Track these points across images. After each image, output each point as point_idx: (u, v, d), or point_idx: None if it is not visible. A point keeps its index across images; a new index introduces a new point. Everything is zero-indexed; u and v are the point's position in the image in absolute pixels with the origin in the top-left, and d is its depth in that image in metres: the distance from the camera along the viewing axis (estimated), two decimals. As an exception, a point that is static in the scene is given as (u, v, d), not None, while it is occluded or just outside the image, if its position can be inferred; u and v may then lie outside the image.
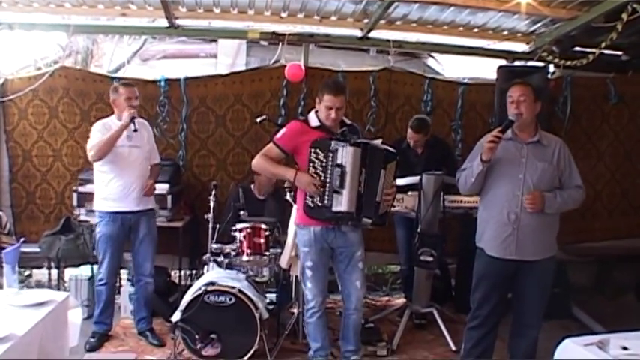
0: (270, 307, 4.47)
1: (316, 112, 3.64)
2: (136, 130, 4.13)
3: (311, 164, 3.49)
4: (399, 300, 5.53)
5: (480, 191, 3.57)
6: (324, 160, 3.46)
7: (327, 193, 3.46)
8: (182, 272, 5.30)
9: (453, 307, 5.18)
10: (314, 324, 3.77)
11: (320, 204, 3.49)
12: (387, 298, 5.72)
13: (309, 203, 3.52)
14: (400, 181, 4.26)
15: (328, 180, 3.45)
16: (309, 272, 3.68)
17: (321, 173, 3.47)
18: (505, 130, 3.31)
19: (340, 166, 3.42)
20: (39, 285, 5.70)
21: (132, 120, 4.11)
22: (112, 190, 4.21)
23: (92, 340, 4.31)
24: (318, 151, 3.48)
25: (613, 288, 5.66)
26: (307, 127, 3.60)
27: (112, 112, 5.17)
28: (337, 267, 3.77)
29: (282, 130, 3.67)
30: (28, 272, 5.82)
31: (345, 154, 3.43)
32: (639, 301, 5.44)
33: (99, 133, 4.18)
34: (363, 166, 3.48)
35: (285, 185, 4.32)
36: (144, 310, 4.49)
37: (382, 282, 6.00)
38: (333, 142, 3.46)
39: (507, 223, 3.38)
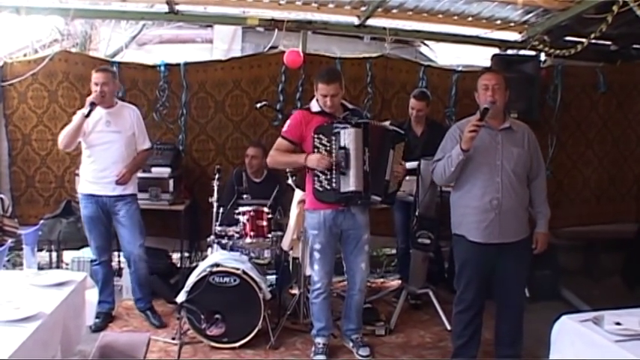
0: (270, 288, 4.58)
1: (317, 99, 3.77)
2: (87, 116, 4.07)
3: (316, 150, 3.62)
4: (394, 282, 5.68)
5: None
6: (328, 145, 3.59)
7: (334, 175, 3.59)
8: (182, 254, 5.38)
9: (445, 288, 5.32)
10: (319, 305, 3.92)
11: (329, 187, 3.62)
12: (381, 280, 5.85)
13: (319, 187, 3.65)
14: (398, 166, 4.39)
15: (334, 163, 3.57)
16: (317, 255, 3.83)
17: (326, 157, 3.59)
18: (483, 117, 3.36)
19: (344, 148, 3.55)
20: (39, 267, 5.70)
21: (91, 105, 4.07)
22: (89, 172, 4.28)
23: (97, 320, 4.34)
24: (321, 136, 3.61)
25: (600, 271, 5.83)
26: (309, 114, 3.75)
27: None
28: (344, 249, 3.92)
29: (287, 122, 3.80)
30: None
31: (347, 136, 3.56)
32: (625, 284, 5.62)
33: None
34: (365, 145, 3.60)
35: (287, 170, 4.42)
36: (138, 291, 4.56)
37: (377, 264, 6.12)
38: (334, 126, 3.58)
39: (490, 209, 3.47)
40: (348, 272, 3.99)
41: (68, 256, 5.25)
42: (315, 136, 3.62)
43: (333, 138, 3.57)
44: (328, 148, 3.59)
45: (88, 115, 4.08)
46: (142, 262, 4.50)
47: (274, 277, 4.87)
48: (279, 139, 3.81)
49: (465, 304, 3.67)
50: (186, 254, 5.48)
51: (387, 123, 3.84)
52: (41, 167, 5.42)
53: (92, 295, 3.01)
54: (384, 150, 3.66)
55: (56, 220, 5.13)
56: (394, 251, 5.78)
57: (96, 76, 4.20)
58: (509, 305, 3.69)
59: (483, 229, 3.51)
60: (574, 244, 5.88)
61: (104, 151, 4.24)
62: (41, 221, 3.91)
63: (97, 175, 4.26)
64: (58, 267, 5.43)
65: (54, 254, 5.38)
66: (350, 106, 3.86)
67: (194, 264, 5.21)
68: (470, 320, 3.68)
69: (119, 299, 4.83)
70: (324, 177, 3.63)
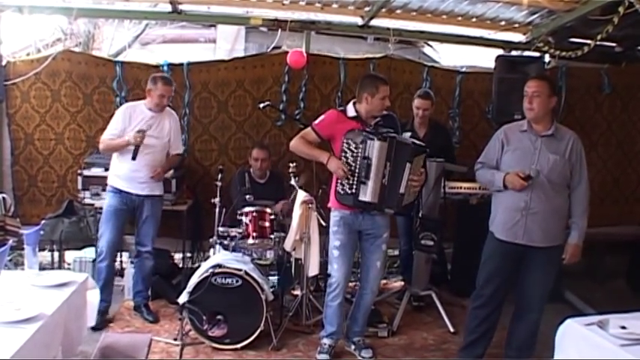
0: (272, 289, 4.56)
1: (354, 103, 3.85)
2: (133, 158, 4.24)
3: (343, 153, 3.69)
4: (397, 283, 5.65)
5: None
6: (355, 151, 3.65)
7: (354, 182, 3.66)
8: (185, 255, 5.36)
9: (448, 290, 5.31)
10: (334, 309, 3.94)
11: (349, 191, 3.70)
12: (384, 281, 5.81)
13: (340, 190, 3.74)
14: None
15: (357, 170, 3.64)
16: (336, 252, 3.87)
17: (351, 163, 3.67)
18: (527, 181, 3.43)
19: (367, 158, 3.61)
20: (41, 267, 5.71)
21: (136, 146, 4.22)
22: (122, 170, 4.36)
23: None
24: (349, 141, 3.68)
25: (604, 273, 5.79)
26: (344, 117, 3.83)
27: (115, 96, 5.29)
28: (361, 245, 3.97)
29: (321, 117, 3.90)
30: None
31: (372, 148, 3.62)
32: (629, 287, 5.59)
33: (120, 119, 4.32)
34: (388, 160, 3.66)
35: (290, 170, 4.40)
36: (141, 284, 4.62)
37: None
38: (363, 135, 3.65)
39: (517, 209, 3.51)
40: (362, 269, 4.02)
41: (70, 256, 5.22)
42: (345, 140, 3.69)
43: (360, 146, 3.63)
44: (354, 154, 3.65)
45: (133, 158, 4.24)
46: (150, 257, 4.59)
47: (276, 278, 4.84)
48: (309, 129, 3.89)
49: (482, 300, 3.71)
50: (189, 254, 5.47)
51: (407, 135, 3.91)
52: (44, 167, 5.41)
53: (94, 296, 2.99)
54: (402, 164, 3.68)
55: (58, 220, 5.10)
56: (397, 252, 5.74)
57: (166, 89, 4.35)
58: (527, 309, 3.70)
59: (508, 228, 3.56)
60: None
61: (140, 153, 4.28)
62: (43, 221, 3.91)
63: (130, 175, 4.34)
64: (60, 267, 5.41)
65: (56, 254, 5.37)
66: (384, 112, 3.90)
67: (196, 264, 5.19)
68: (485, 317, 3.72)
69: (121, 299, 4.84)
70: (346, 181, 3.70)
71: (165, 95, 4.36)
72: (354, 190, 3.68)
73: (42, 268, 5.57)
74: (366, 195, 3.66)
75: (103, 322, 4.41)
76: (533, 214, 3.48)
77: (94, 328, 4.17)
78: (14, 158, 5.38)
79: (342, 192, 3.73)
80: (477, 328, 3.75)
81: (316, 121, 3.90)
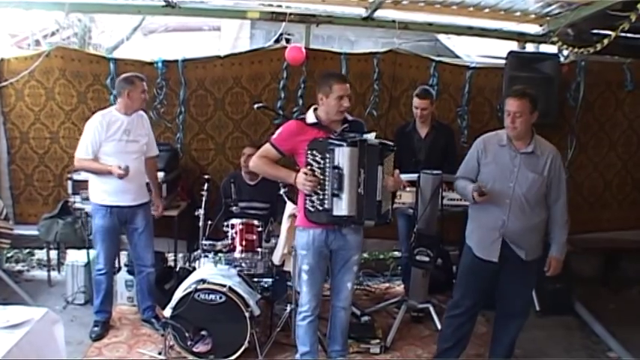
0: (266, 294, 4.44)
1: (315, 109, 3.51)
2: (121, 177, 4.01)
3: (309, 166, 3.37)
4: (399, 288, 5.47)
5: None
6: (321, 162, 3.34)
7: (326, 196, 3.36)
8: (178, 256, 5.29)
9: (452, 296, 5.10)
10: (305, 328, 3.71)
11: (320, 207, 3.39)
12: (387, 285, 5.65)
13: (310, 207, 3.42)
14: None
15: (327, 182, 3.34)
16: (305, 276, 3.62)
17: (320, 175, 3.36)
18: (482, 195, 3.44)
19: (337, 167, 3.30)
20: (40, 264, 5.76)
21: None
22: (108, 184, 4.10)
23: (96, 329, 4.36)
24: (315, 152, 3.36)
25: (618, 281, 5.52)
26: (304, 125, 3.48)
27: (109, 94, 5.14)
28: (332, 267, 3.70)
29: (279, 130, 3.55)
30: (28, 251, 5.87)
31: (342, 155, 3.30)
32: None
33: (96, 132, 4.07)
34: (361, 167, 3.35)
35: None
36: (148, 299, 4.49)
37: (383, 268, 5.93)
38: (329, 142, 3.34)
39: (494, 228, 3.51)
40: (332, 290, 3.75)
41: (71, 255, 5.12)
42: (309, 151, 3.36)
43: (327, 155, 3.31)
44: (322, 166, 3.34)
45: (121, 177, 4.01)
46: (152, 270, 4.47)
47: (271, 280, 4.65)
48: (267, 146, 3.52)
49: (459, 311, 3.76)
50: (186, 255, 5.36)
51: (372, 135, 3.49)
52: (39, 166, 5.34)
53: (60, 331, 2.86)
54: (375, 168, 3.38)
55: (53, 220, 5.06)
56: (399, 254, 5.54)
57: (142, 85, 4.16)
58: (510, 316, 3.74)
59: (486, 247, 3.57)
60: (592, 251, 5.55)
61: (123, 162, 4.05)
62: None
63: (121, 187, 4.09)
64: (58, 266, 5.41)
65: (52, 254, 5.34)
66: (350, 118, 3.58)
67: (191, 266, 5.08)
68: (460, 325, 3.78)
69: (114, 304, 4.75)
70: (316, 197, 3.38)
71: (146, 90, 4.19)
72: (326, 206, 3.35)
73: (41, 265, 5.64)
74: (342, 209, 3.32)
75: (106, 331, 4.40)
76: (511, 233, 3.48)
77: (96, 338, 4.28)
78: (11, 157, 5.32)
79: (312, 209, 3.40)
80: (451, 336, 3.80)
81: (274, 135, 3.54)
